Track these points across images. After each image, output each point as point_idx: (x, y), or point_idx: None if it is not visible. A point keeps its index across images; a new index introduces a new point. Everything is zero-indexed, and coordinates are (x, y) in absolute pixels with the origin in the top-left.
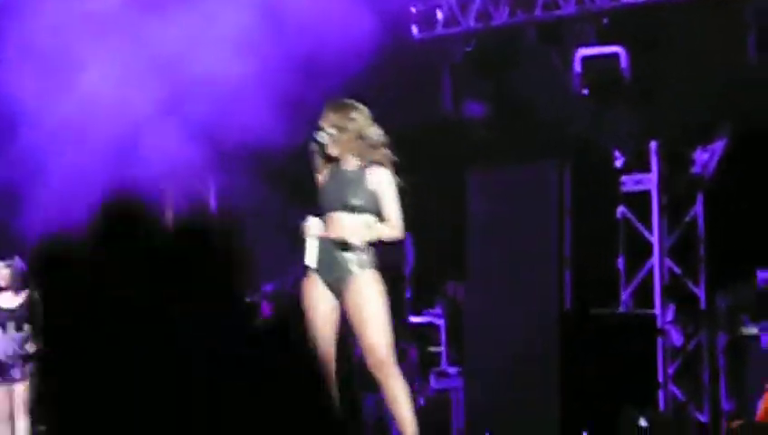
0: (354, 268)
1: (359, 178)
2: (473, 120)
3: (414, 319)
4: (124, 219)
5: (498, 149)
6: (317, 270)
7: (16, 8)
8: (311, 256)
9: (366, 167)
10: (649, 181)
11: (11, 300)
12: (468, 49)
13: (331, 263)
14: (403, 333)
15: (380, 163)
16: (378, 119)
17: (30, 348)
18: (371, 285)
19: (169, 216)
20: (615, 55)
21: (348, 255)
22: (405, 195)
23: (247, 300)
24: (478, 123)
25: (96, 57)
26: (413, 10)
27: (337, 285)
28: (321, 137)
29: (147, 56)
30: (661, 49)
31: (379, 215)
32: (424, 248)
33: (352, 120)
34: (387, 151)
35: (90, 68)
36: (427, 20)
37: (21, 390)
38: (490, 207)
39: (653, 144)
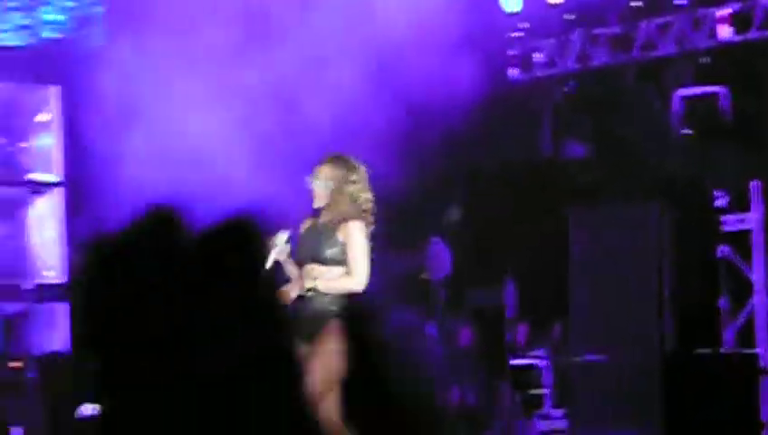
0: (331, 315)
1: (333, 230)
2: (573, 161)
3: (516, 361)
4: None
5: (598, 189)
6: (297, 323)
7: None
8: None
9: (341, 221)
10: (751, 220)
11: None
12: (567, 90)
13: (309, 308)
14: (504, 375)
15: (360, 218)
16: (481, 159)
17: None
18: (337, 332)
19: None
20: (715, 94)
21: (326, 303)
22: (508, 236)
23: None
24: (578, 163)
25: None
26: (512, 53)
27: (314, 330)
28: (316, 185)
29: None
30: (761, 87)
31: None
32: (526, 289)
33: (352, 182)
34: (371, 217)
35: None
36: (526, 62)
37: None
38: (591, 247)
39: (754, 183)
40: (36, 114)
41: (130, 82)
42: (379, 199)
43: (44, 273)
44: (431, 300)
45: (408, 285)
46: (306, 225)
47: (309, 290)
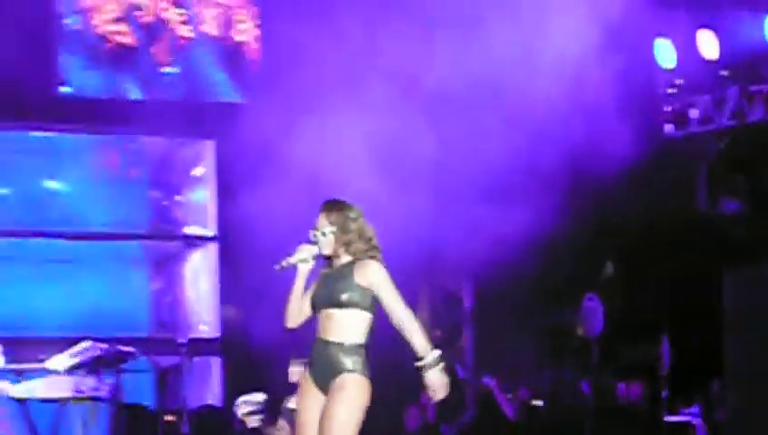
0: (343, 368)
1: (348, 273)
2: (727, 217)
3: (671, 418)
4: None
5: (753, 246)
6: (311, 367)
7: None
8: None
9: (354, 262)
10: None
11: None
12: (723, 146)
13: (324, 362)
14: (660, 432)
15: (376, 258)
16: (635, 215)
17: None
18: (352, 388)
19: (424, 313)
20: None
21: (341, 354)
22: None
23: None
24: (733, 220)
25: None
26: (668, 109)
27: (327, 385)
28: (319, 237)
29: None
30: None
31: (367, 309)
32: (680, 345)
33: (353, 220)
34: (380, 255)
35: None
36: (681, 118)
37: None
38: (746, 304)
39: None
40: (192, 168)
41: (282, 136)
42: (535, 253)
43: (199, 327)
44: (585, 357)
45: (562, 341)
46: (321, 274)
47: (336, 343)
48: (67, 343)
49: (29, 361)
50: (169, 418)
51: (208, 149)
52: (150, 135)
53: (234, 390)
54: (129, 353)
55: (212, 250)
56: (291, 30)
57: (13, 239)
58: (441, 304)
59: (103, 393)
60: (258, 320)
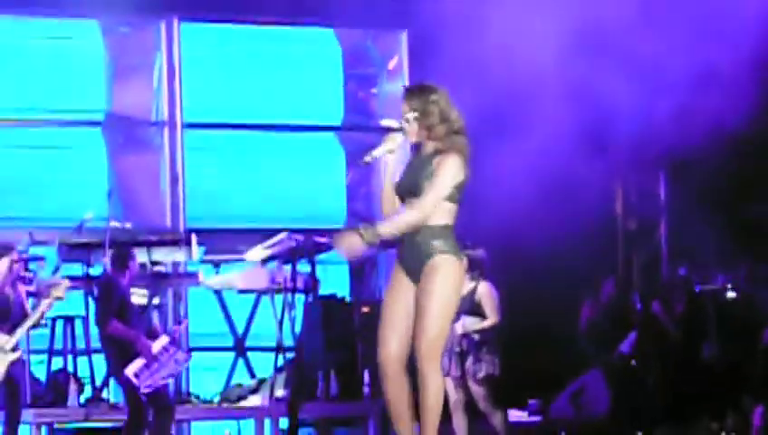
0: (434, 252)
1: (429, 162)
2: None
3: None
4: None
5: None
6: (400, 258)
7: None
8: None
9: (439, 153)
10: None
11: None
12: None
13: (412, 249)
14: None
15: (457, 150)
16: None
17: (478, 336)
18: (448, 268)
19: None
20: None
21: (429, 238)
22: None
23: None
24: None
25: None
26: None
27: (418, 271)
28: (403, 124)
29: None
30: None
31: (449, 199)
32: None
33: (434, 102)
34: (465, 140)
35: None
36: None
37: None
38: None
39: None
40: (388, 60)
41: (482, 32)
42: (730, 146)
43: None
44: None
45: (759, 234)
46: (407, 162)
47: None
48: (263, 234)
49: (226, 252)
50: (365, 309)
51: (402, 40)
52: (344, 26)
53: None
54: (324, 245)
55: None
56: None
57: (209, 131)
58: (636, 196)
59: (299, 284)
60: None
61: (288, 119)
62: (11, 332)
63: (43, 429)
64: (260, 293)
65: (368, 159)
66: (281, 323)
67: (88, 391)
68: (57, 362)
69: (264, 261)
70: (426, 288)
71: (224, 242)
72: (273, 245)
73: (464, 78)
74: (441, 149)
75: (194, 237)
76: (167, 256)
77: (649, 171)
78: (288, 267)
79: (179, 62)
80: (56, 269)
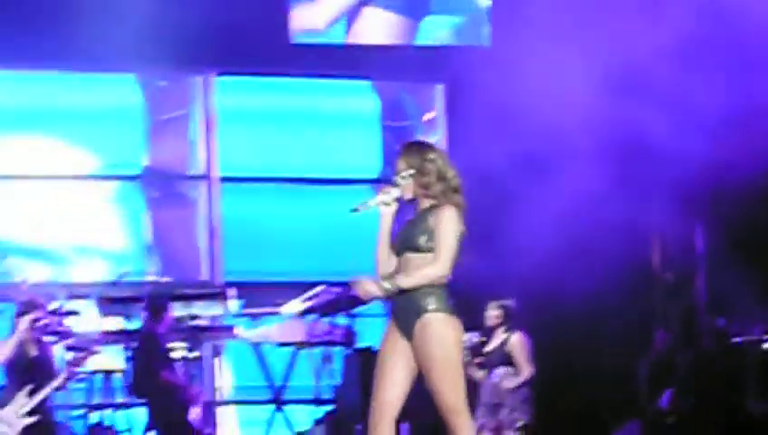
0: (425, 309)
1: (426, 217)
2: None
3: None
4: None
5: None
6: (393, 314)
7: None
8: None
9: (434, 206)
10: None
11: (493, 342)
12: None
13: (404, 305)
14: None
15: (453, 204)
16: None
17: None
18: (441, 327)
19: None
20: None
21: (420, 296)
22: None
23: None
24: None
25: None
26: None
27: (410, 328)
28: (399, 180)
29: None
30: None
31: None
32: None
33: (431, 161)
34: (462, 198)
35: None
36: None
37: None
38: None
39: None
40: (424, 114)
41: (516, 83)
42: None
43: None
44: None
45: None
46: (407, 220)
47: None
48: (301, 288)
49: (263, 305)
50: None
51: (438, 93)
52: (382, 79)
53: None
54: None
55: None
56: None
57: (246, 184)
58: (673, 247)
59: (337, 337)
60: (489, 265)
61: (326, 172)
62: (33, 393)
63: None
64: (298, 346)
65: (360, 207)
66: (318, 375)
67: None
68: (95, 417)
69: (302, 314)
70: (426, 353)
71: (261, 295)
72: (311, 298)
73: (498, 129)
74: (437, 205)
75: (231, 291)
76: (205, 310)
77: (687, 221)
78: (326, 320)
79: (216, 115)
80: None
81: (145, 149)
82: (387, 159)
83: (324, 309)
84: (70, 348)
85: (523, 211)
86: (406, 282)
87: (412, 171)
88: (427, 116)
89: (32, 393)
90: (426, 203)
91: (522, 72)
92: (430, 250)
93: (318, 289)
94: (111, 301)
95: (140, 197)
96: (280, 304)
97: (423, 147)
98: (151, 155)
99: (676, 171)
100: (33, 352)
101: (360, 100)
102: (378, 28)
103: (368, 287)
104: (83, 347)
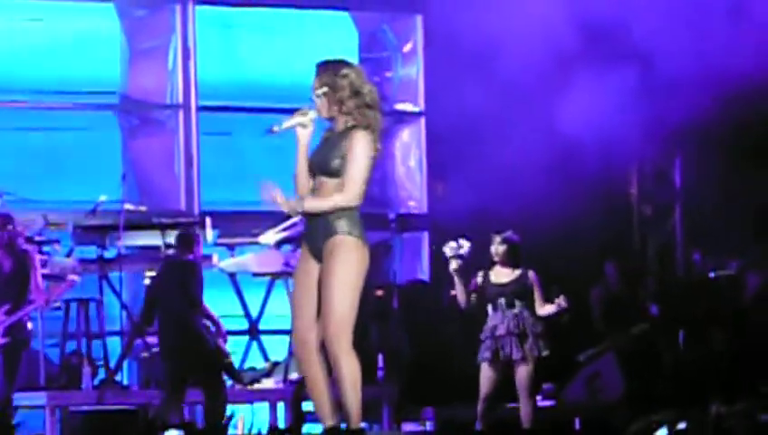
0: (335, 231)
1: (340, 140)
2: None
3: None
4: None
5: None
6: (305, 237)
7: None
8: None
9: (350, 129)
10: None
11: (503, 275)
12: None
13: (317, 228)
14: None
15: (367, 126)
16: None
17: (533, 325)
18: (349, 249)
19: (634, 192)
20: None
21: (332, 219)
22: None
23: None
24: None
25: None
26: None
27: (320, 250)
28: (315, 98)
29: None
30: None
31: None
32: None
33: (344, 76)
34: (377, 114)
35: None
36: None
37: (523, 371)
38: None
39: None
40: (403, 45)
41: (495, 15)
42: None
43: (408, 203)
44: None
45: None
46: (322, 138)
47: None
48: (277, 218)
49: (240, 235)
50: (379, 292)
51: (417, 24)
52: (360, 10)
53: (441, 265)
54: None
55: (420, 126)
56: None
57: (223, 114)
58: (651, 181)
59: None
60: (464, 195)
61: (303, 102)
62: (8, 314)
63: (57, 411)
64: (274, 276)
65: (275, 128)
66: None
67: (101, 374)
68: (71, 346)
69: (279, 244)
70: (328, 269)
71: (238, 225)
72: (288, 228)
73: (477, 62)
74: (352, 125)
75: (208, 220)
76: None
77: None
78: None
79: (194, 45)
80: (70, 251)
81: (123, 77)
82: None
83: (300, 239)
84: (46, 277)
85: (501, 149)
86: (312, 205)
87: (326, 89)
88: (406, 47)
89: (7, 314)
90: (342, 124)
91: (503, 7)
92: (342, 175)
93: (294, 219)
94: (87, 229)
95: (118, 125)
96: (257, 234)
97: (336, 64)
98: (129, 84)
99: (652, 106)
100: (8, 267)
101: (338, 31)
102: None
103: (277, 197)
104: (60, 275)
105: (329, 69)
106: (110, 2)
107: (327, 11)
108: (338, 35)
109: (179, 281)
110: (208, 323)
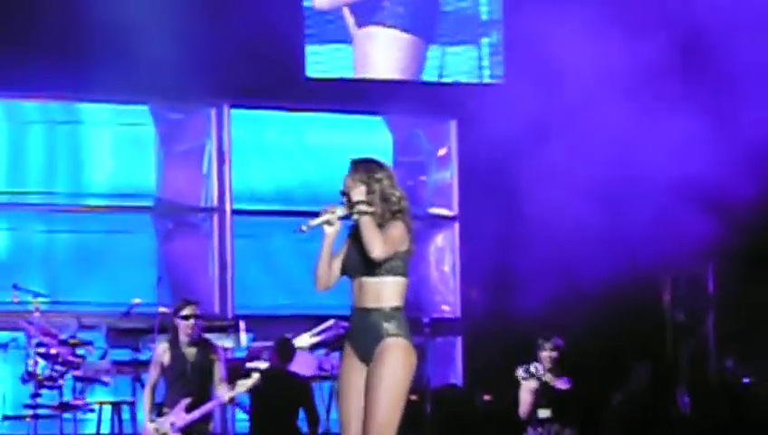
0: (385, 334)
1: None
2: None
3: None
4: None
5: None
6: (350, 338)
7: None
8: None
9: (380, 226)
10: None
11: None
12: None
13: (363, 329)
14: None
15: (401, 221)
16: None
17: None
18: (396, 353)
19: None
20: None
21: (379, 320)
22: None
23: None
24: None
25: None
26: None
27: (369, 353)
28: (345, 198)
29: None
30: None
31: (400, 274)
32: None
33: (378, 180)
34: (406, 218)
35: None
36: None
37: None
38: None
39: None
40: (437, 149)
41: (527, 119)
42: None
43: (441, 307)
44: None
45: None
46: (349, 237)
47: (371, 309)
48: (311, 321)
49: (273, 338)
50: (412, 397)
51: (451, 129)
52: (394, 115)
53: (475, 370)
54: None
55: (454, 231)
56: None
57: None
58: (684, 288)
59: None
60: (499, 299)
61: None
62: None
63: None
64: (309, 380)
65: (304, 228)
66: (328, 409)
67: None
68: None
69: (312, 348)
70: (376, 373)
71: (271, 329)
72: (321, 332)
73: (512, 165)
74: (381, 225)
75: (242, 324)
76: (216, 343)
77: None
78: (336, 354)
79: (229, 148)
80: (104, 354)
81: (158, 180)
82: None
83: (334, 343)
84: (79, 379)
85: (529, 257)
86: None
87: (361, 187)
88: (440, 151)
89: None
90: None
91: (533, 108)
92: (386, 274)
93: (328, 323)
94: (121, 332)
95: (153, 228)
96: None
97: (370, 165)
98: (164, 186)
99: (688, 213)
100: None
101: (373, 135)
102: (386, 48)
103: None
104: (93, 378)
105: (363, 168)
106: (145, 105)
107: (361, 115)
108: (372, 138)
109: (295, 399)
110: None
